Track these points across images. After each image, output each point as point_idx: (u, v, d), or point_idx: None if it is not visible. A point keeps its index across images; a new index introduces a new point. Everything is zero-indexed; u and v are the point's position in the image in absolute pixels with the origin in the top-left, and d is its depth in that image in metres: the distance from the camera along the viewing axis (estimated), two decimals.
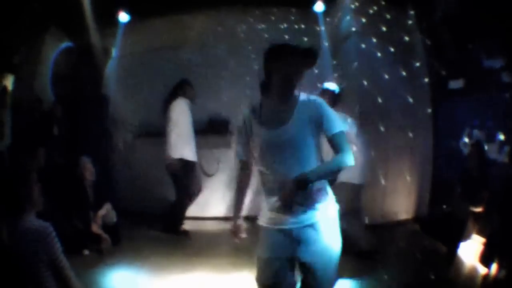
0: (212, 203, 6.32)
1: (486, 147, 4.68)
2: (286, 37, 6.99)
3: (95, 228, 4.94)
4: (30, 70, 6.75)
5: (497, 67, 4.86)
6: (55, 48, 7.11)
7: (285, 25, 7.06)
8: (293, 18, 7.03)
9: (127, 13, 6.83)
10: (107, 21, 6.73)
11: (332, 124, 2.29)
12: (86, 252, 4.82)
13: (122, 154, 6.73)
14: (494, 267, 2.69)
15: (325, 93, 4.29)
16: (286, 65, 2.31)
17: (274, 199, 2.34)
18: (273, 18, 7.06)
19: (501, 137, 4.69)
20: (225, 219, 6.45)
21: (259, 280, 2.40)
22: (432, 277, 3.87)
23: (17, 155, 5.64)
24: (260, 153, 2.38)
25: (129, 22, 6.94)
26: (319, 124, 2.30)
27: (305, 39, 6.70)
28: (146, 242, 5.31)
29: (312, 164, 2.29)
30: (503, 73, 4.74)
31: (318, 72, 6.33)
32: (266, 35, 7.02)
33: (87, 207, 5.00)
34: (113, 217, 5.16)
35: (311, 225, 2.29)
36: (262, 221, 2.45)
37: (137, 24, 6.99)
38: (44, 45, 6.90)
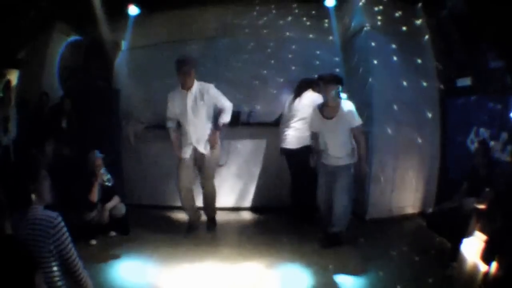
0: (221, 193, 6.37)
1: (492, 145, 4.68)
2: (296, 31, 7.05)
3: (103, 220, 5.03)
4: (37, 65, 6.82)
5: (503, 68, 4.83)
6: (62, 42, 7.17)
7: (296, 19, 7.08)
8: (303, 12, 7.04)
9: (136, 6, 6.86)
10: (117, 14, 6.77)
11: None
12: (94, 242, 4.92)
13: (132, 147, 6.79)
14: (494, 265, 2.71)
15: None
16: None
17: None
18: (287, 12, 7.08)
19: (505, 136, 4.68)
20: (233, 209, 6.53)
21: None
22: (435, 272, 3.91)
23: (26, 150, 5.71)
24: None
25: (138, 15, 6.99)
26: None
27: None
28: (155, 233, 5.39)
29: None
30: (506, 75, 4.71)
31: (326, 67, 6.43)
32: (281, 31, 7.06)
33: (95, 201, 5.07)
34: (121, 209, 5.23)
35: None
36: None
37: (147, 17, 7.03)
38: (50, 39, 6.97)
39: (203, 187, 5.41)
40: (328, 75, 4.74)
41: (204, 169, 5.25)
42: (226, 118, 5.10)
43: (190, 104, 5.00)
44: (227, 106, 5.11)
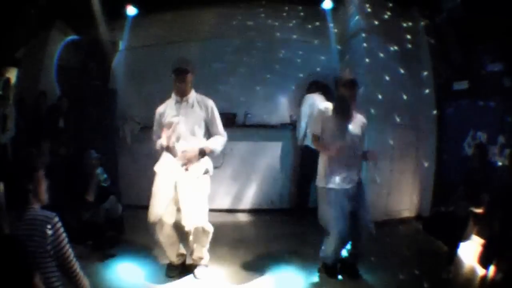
0: (217, 195, 6.37)
1: (488, 149, 4.70)
2: (292, 33, 7.06)
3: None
4: (35, 63, 6.82)
5: (499, 71, 4.87)
6: (60, 41, 7.17)
7: (293, 22, 7.10)
8: (300, 14, 7.05)
9: (134, 7, 6.87)
10: (115, 14, 6.78)
11: None
12: (89, 242, 4.88)
13: (128, 147, 6.77)
14: (492, 269, 2.72)
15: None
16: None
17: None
18: (284, 14, 7.10)
19: (502, 139, 4.70)
20: (229, 211, 6.52)
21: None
22: (432, 275, 3.91)
23: (24, 149, 5.67)
24: None
25: (136, 16, 6.99)
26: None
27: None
28: (150, 234, 5.36)
29: None
30: (504, 78, 4.74)
31: (323, 70, 6.46)
32: (277, 33, 7.07)
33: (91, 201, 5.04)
34: (118, 209, 5.20)
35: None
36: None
37: (145, 17, 7.03)
38: (49, 38, 6.97)
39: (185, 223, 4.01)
40: (349, 78, 3.98)
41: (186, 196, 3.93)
42: (215, 145, 3.97)
43: (184, 115, 3.95)
44: (222, 134, 4.08)
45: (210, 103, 4.07)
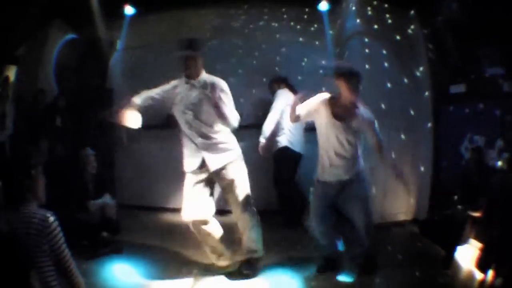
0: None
1: (486, 153, 4.71)
2: (288, 34, 7.05)
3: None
4: (34, 62, 6.82)
5: (499, 75, 4.87)
6: (59, 40, 7.18)
7: (289, 23, 7.09)
8: (296, 16, 7.05)
9: (132, 6, 6.86)
10: (113, 13, 6.78)
11: None
12: (86, 242, 4.86)
13: (125, 146, 6.76)
14: (490, 273, 2.71)
15: None
16: None
17: None
18: (276, 15, 7.09)
19: (500, 143, 4.71)
20: (221, 212, 6.49)
21: None
22: (429, 279, 3.90)
23: (22, 147, 5.67)
24: None
25: (134, 15, 6.98)
26: None
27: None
28: (147, 234, 5.35)
29: None
30: (504, 82, 4.74)
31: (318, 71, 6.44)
32: (276, 34, 7.06)
33: (87, 199, 5.02)
34: (113, 209, 5.17)
35: None
36: None
37: (143, 17, 7.02)
38: (48, 37, 6.98)
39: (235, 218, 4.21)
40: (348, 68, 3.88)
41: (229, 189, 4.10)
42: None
43: (193, 99, 3.76)
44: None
45: (216, 82, 3.82)
